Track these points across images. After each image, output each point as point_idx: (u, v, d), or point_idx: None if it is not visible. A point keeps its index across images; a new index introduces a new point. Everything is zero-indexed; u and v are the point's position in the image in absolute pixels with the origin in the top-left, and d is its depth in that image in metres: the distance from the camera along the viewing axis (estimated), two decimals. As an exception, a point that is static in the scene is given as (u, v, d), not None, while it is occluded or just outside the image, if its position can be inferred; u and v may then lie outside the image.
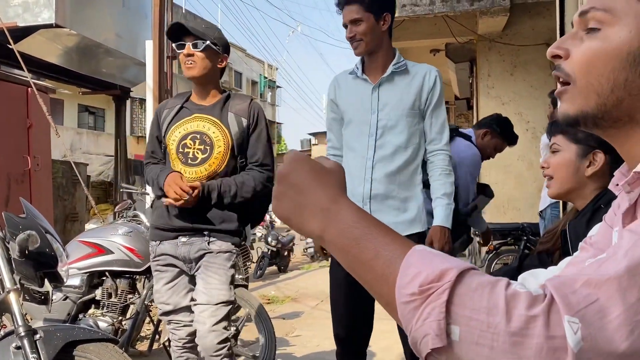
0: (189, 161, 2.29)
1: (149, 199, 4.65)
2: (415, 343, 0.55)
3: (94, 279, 3.10)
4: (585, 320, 0.50)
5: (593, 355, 0.50)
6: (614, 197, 1.35)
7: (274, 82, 34.52)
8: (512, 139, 3.35)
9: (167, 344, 3.06)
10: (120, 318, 3.09)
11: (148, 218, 3.42)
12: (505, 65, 5.59)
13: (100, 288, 3.09)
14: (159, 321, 3.33)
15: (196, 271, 2.31)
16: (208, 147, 2.28)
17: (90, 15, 7.83)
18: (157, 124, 2.43)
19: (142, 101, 16.71)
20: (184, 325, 2.34)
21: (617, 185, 0.82)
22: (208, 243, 2.27)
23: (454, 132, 3.14)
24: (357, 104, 2.23)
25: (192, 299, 2.32)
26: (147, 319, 3.51)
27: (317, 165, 0.68)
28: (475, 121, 6.62)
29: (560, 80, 0.74)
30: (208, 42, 2.28)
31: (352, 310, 2.19)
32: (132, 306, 3.20)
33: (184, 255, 2.30)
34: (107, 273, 3.08)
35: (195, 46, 2.26)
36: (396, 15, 5.08)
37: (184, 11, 21.29)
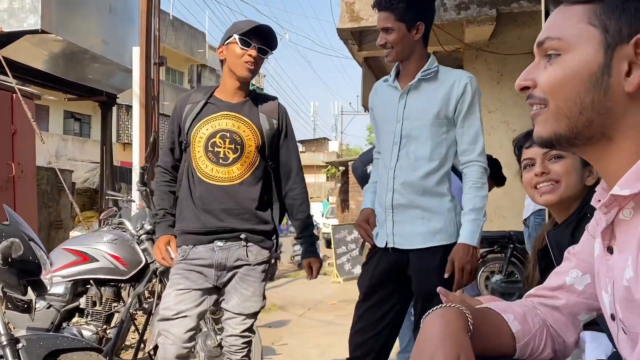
0: (220, 161, 2.23)
1: (134, 207, 4.61)
2: None
3: (79, 287, 3.05)
4: None
5: None
6: None
7: (262, 89, 34.54)
8: (500, 181, 3.34)
9: (152, 352, 3.02)
10: (104, 327, 3.04)
11: (134, 225, 3.38)
12: (492, 73, 5.64)
13: (84, 296, 3.05)
14: (144, 330, 3.29)
15: (227, 280, 2.26)
16: (239, 147, 2.23)
17: (77, 21, 7.78)
18: (178, 120, 2.33)
19: (129, 108, 16.60)
20: (172, 344, 2.22)
21: (599, 201, 0.84)
22: (246, 252, 2.23)
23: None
24: (386, 112, 2.19)
25: (218, 304, 2.31)
26: (132, 328, 3.47)
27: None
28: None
29: (537, 105, 0.78)
30: (272, 52, 2.28)
31: (380, 321, 2.11)
32: (116, 315, 3.16)
33: (219, 261, 2.22)
34: (91, 281, 3.04)
35: (262, 52, 2.23)
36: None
37: (171, 18, 21.25)
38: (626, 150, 0.73)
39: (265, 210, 2.30)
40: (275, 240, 2.37)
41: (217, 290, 2.29)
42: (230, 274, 2.25)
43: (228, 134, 2.23)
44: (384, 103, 2.21)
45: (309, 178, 42.78)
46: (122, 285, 3.23)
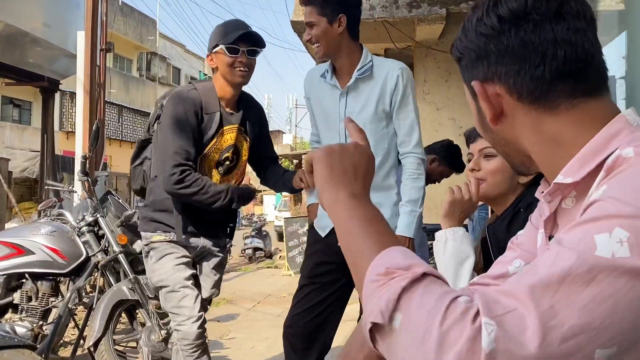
0: (224, 172, 2.32)
1: (76, 197, 4.44)
2: (365, 321, 0.59)
3: (12, 281, 2.92)
4: (502, 325, 0.53)
5: (504, 357, 0.52)
6: (533, 200, 1.42)
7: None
8: (459, 167, 3.43)
9: (92, 349, 2.92)
10: (40, 323, 2.92)
11: (74, 217, 3.26)
12: (441, 71, 5.75)
13: (19, 291, 2.92)
14: (84, 325, 3.18)
15: (198, 262, 2.37)
16: (235, 157, 2.32)
17: (16, 2, 7.40)
18: (197, 126, 2.17)
19: (73, 95, 15.97)
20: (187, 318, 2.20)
21: (543, 192, 0.87)
22: (223, 242, 2.38)
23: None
24: (327, 109, 2.21)
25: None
26: (72, 323, 3.35)
27: (371, 165, 0.80)
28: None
29: None
30: (262, 50, 2.24)
31: (322, 304, 2.20)
32: (54, 310, 3.04)
33: (204, 245, 2.32)
34: (26, 275, 2.91)
35: (252, 53, 2.19)
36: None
37: (120, 3, 20.57)
38: (540, 160, 0.79)
39: (236, 213, 2.48)
40: (232, 228, 2.45)
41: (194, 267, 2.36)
42: (203, 255, 2.37)
43: (234, 148, 2.29)
44: (324, 99, 2.24)
45: (261, 171, 42.48)
46: (61, 279, 3.11)
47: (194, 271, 2.29)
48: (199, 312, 2.19)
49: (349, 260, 0.68)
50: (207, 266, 2.37)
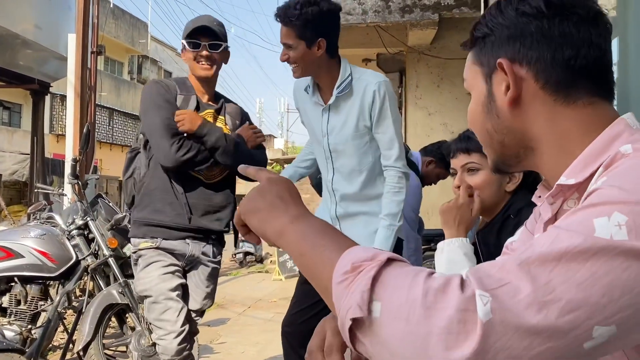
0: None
1: (66, 200, 4.41)
2: (342, 323, 0.58)
3: (1, 284, 2.89)
4: (497, 297, 0.53)
5: (502, 328, 0.52)
6: (522, 206, 1.44)
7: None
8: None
9: (81, 353, 2.89)
10: (29, 327, 2.89)
11: (64, 220, 3.23)
12: (433, 77, 5.78)
13: (7, 295, 2.88)
14: (74, 329, 3.15)
15: (189, 270, 2.30)
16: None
17: (6, 3, 7.34)
18: (174, 103, 2.21)
19: (64, 97, 15.87)
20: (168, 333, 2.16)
21: (540, 197, 0.88)
22: (212, 250, 2.29)
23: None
24: (312, 124, 2.24)
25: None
26: (61, 328, 3.31)
27: (293, 188, 0.79)
28: (403, 130, 6.79)
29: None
30: (226, 44, 2.26)
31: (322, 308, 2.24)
32: (43, 314, 3.01)
33: (192, 253, 2.25)
34: (15, 278, 2.88)
35: (213, 47, 2.22)
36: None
37: (111, 6, 20.50)
38: (547, 153, 0.79)
39: (231, 211, 2.34)
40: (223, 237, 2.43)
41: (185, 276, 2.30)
42: (193, 265, 2.29)
43: None
44: (309, 113, 2.26)
45: (252, 175, 42.28)
46: (50, 282, 3.08)
47: (183, 281, 2.23)
48: (181, 326, 2.13)
49: (313, 280, 0.66)
50: (197, 276, 2.29)
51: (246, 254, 11.10)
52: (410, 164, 3.25)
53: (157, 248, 2.19)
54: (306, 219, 0.72)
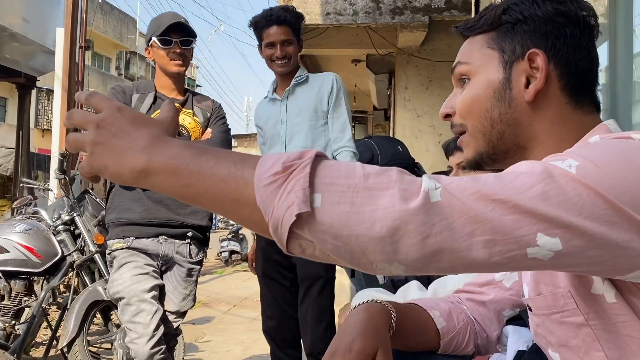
0: None
1: (52, 196, 4.37)
2: (277, 223, 0.57)
3: (-15, 279, 2.85)
4: (447, 187, 0.57)
5: (448, 210, 0.56)
6: None
7: (194, 80, 33.76)
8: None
9: (65, 349, 2.87)
10: (13, 322, 2.86)
11: (50, 215, 3.20)
12: (422, 79, 5.81)
13: (-9, 290, 2.85)
14: (58, 326, 3.13)
15: (165, 271, 2.25)
16: (186, 138, 2.28)
17: (-6, -4, 7.25)
18: (129, 106, 2.22)
19: (50, 92, 15.70)
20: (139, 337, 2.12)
21: None
22: (189, 250, 2.25)
23: (415, 167, 3.14)
24: (271, 120, 2.44)
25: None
26: (45, 324, 3.29)
27: (140, 114, 0.65)
28: (392, 132, 6.83)
29: (459, 132, 0.85)
30: (195, 40, 2.29)
31: (280, 301, 2.39)
32: (27, 309, 2.98)
33: (165, 253, 2.21)
34: (0, 273, 2.85)
35: (185, 43, 2.25)
36: (320, 22, 5.16)
37: (100, 1, 20.31)
38: (540, 154, 0.78)
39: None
40: (208, 236, 2.39)
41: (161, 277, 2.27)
42: (169, 265, 2.25)
43: (180, 128, 2.27)
44: (268, 114, 2.47)
45: (240, 174, 42.06)
46: (35, 278, 3.05)
47: (159, 282, 2.19)
48: (154, 329, 2.08)
49: (213, 203, 0.59)
50: (174, 277, 2.25)
51: (231, 252, 11.06)
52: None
53: (130, 248, 2.16)
54: (171, 142, 0.61)
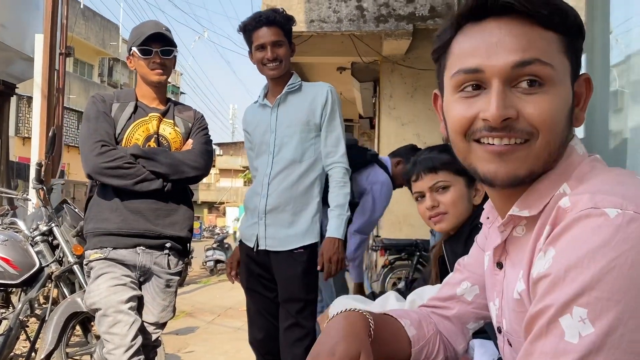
0: None
1: (31, 206, 4.28)
2: None
3: (-40, 292, 2.77)
4: None
5: None
6: None
7: (178, 87, 33.59)
8: None
9: (43, 363, 2.80)
10: (-12, 336, 2.78)
11: (28, 226, 3.13)
12: (407, 87, 5.83)
13: (-34, 302, 2.78)
14: (36, 338, 3.05)
15: (144, 282, 2.23)
16: (166, 148, 2.27)
17: (-28, 1, 7.14)
18: (108, 115, 2.21)
19: (30, 99, 15.48)
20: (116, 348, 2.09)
21: (488, 218, 0.88)
22: (167, 261, 2.23)
23: (374, 160, 3.28)
24: (260, 127, 2.36)
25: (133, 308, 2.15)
26: (23, 336, 3.21)
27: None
28: (377, 140, 6.84)
29: (515, 138, 0.71)
30: (176, 50, 2.27)
31: (265, 313, 2.35)
32: (4, 322, 2.91)
33: (143, 263, 2.18)
34: (-25, 286, 2.78)
35: (165, 53, 2.23)
36: (304, 30, 5.15)
37: (82, 6, 20.15)
38: (544, 187, 0.75)
39: (187, 214, 2.29)
40: (189, 247, 2.38)
41: (140, 287, 2.23)
42: (147, 276, 2.23)
43: (160, 138, 2.26)
44: (257, 120, 2.39)
45: (226, 182, 42.05)
46: (12, 289, 2.98)
47: (137, 292, 2.16)
48: (132, 340, 2.06)
49: None
50: (152, 288, 2.24)
51: (217, 261, 10.98)
52: (383, 165, 3.31)
53: (107, 259, 2.13)
54: None
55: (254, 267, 2.33)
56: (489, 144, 0.72)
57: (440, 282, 1.62)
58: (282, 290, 2.26)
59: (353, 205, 3.14)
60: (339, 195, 2.25)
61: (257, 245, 2.27)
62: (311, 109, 2.28)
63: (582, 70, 0.77)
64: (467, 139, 0.75)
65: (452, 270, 1.41)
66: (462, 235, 1.58)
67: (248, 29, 2.28)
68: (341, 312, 0.89)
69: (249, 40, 2.31)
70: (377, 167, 3.28)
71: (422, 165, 1.63)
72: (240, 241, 2.41)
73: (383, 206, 3.31)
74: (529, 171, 0.72)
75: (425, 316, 1.03)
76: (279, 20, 2.24)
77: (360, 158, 3.17)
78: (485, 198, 1.62)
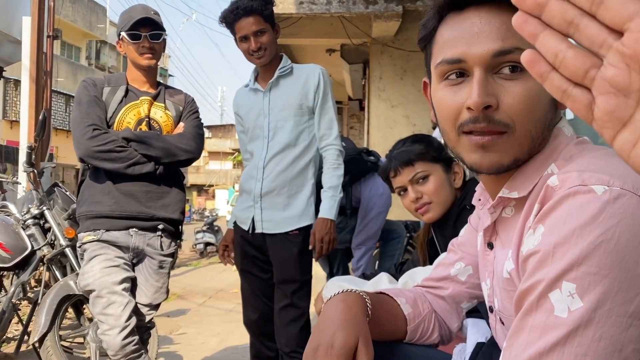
0: None
1: (21, 189, 4.27)
2: None
3: (-49, 275, 2.78)
4: None
5: None
6: None
7: (166, 70, 33.24)
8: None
9: (36, 344, 2.82)
10: (-18, 318, 2.80)
11: (19, 209, 3.13)
12: (396, 69, 5.84)
13: (-42, 286, 2.79)
14: (29, 321, 3.07)
15: (137, 263, 2.24)
16: (158, 132, 2.26)
17: (-44, -18, 7.00)
18: (99, 99, 2.21)
19: (18, 82, 15.27)
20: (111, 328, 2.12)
21: (480, 200, 0.90)
22: (160, 242, 2.24)
23: (374, 169, 3.22)
24: (253, 112, 2.36)
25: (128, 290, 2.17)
26: (16, 319, 3.22)
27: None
28: (366, 122, 6.85)
29: (494, 130, 0.72)
30: (165, 34, 2.26)
31: (259, 294, 2.39)
32: (-4, 305, 2.92)
33: (136, 245, 2.19)
34: (-33, 269, 2.78)
35: (154, 37, 2.22)
36: (293, 12, 5.12)
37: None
38: (532, 167, 0.77)
39: (179, 196, 2.30)
40: (180, 229, 2.38)
41: (133, 269, 2.25)
42: (140, 258, 2.24)
43: (151, 121, 2.26)
44: (249, 104, 2.39)
45: (215, 165, 41.90)
46: (4, 273, 2.99)
47: (130, 274, 2.18)
48: (126, 321, 2.08)
49: None
50: (145, 269, 2.25)
51: (207, 244, 11.01)
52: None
53: (100, 241, 2.14)
54: None
55: (249, 249, 2.36)
56: (472, 135, 0.74)
57: (430, 264, 1.66)
58: (277, 272, 2.29)
59: (353, 210, 3.19)
60: (332, 176, 2.28)
61: (254, 229, 2.30)
62: (304, 92, 2.29)
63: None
64: (456, 132, 0.76)
65: (441, 251, 1.44)
66: (451, 218, 1.61)
67: (228, 21, 2.28)
68: (338, 293, 0.90)
69: (232, 31, 2.31)
70: (377, 178, 3.26)
71: (397, 160, 1.64)
72: (235, 223, 2.43)
73: (384, 217, 3.32)
74: (513, 159, 0.74)
75: (420, 295, 1.05)
76: (256, 8, 2.22)
77: (363, 168, 3.19)
78: (468, 181, 1.65)
